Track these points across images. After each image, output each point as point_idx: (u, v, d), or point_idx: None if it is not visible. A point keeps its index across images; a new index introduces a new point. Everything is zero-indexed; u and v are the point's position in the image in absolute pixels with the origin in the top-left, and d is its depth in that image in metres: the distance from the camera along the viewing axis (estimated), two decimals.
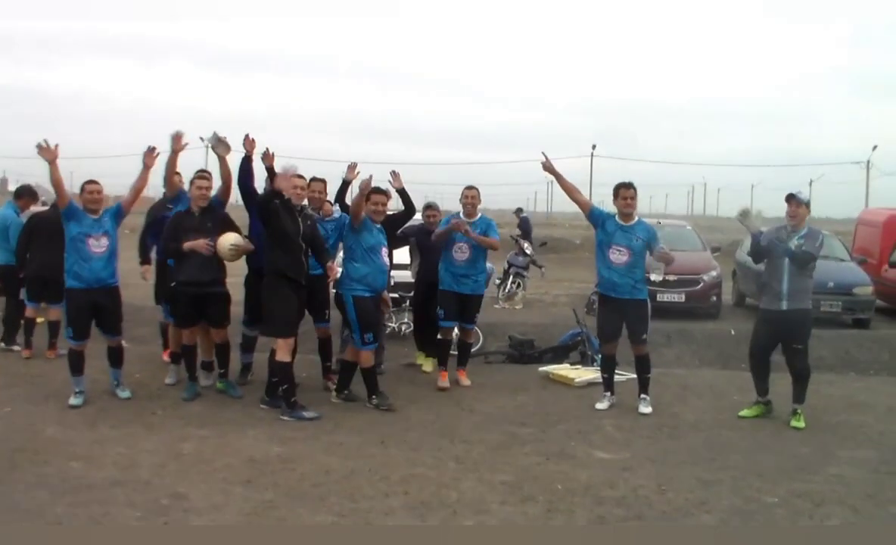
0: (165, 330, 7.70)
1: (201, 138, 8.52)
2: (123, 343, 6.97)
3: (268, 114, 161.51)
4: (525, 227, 19.52)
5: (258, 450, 5.46)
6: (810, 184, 52.62)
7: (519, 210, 21.80)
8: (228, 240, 6.52)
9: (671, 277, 11.77)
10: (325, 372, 7.35)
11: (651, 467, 5.33)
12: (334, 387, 6.98)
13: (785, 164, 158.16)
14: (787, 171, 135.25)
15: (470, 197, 7.61)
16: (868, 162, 45.78)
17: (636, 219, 6.81)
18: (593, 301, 10.39)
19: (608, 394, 6.95)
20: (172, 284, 6.77)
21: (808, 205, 6.57)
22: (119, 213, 6.60)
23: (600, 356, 7.31)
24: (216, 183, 6.79)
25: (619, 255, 6.66)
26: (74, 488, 4.69)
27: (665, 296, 12.29)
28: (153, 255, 7.65)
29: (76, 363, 6.52)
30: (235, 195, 6.98)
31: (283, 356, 6.30)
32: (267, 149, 6.40)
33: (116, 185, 18.13)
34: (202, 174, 6.78)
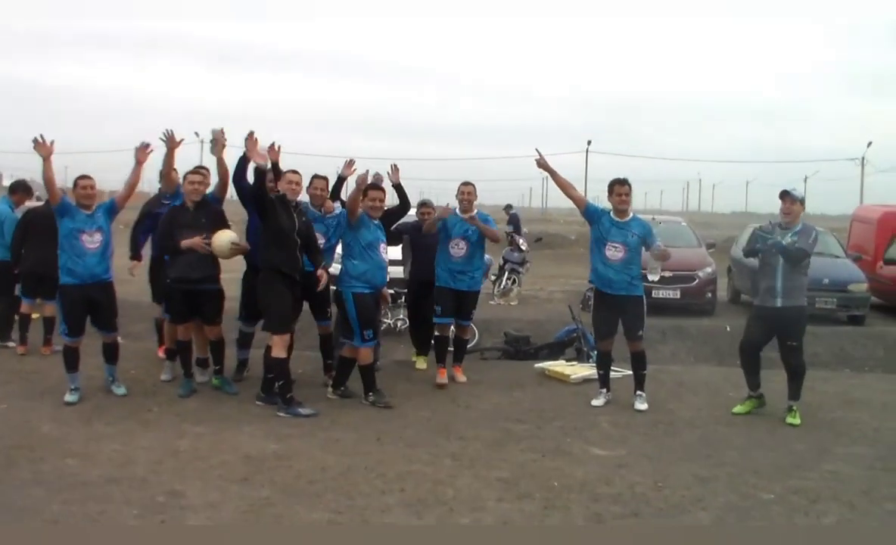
0: (161, 326, 7.66)
1: (196, 133, 8.48)
2: (119, 339, 6.94)
3: (261, 110, 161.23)
4: (514, 222, 19.55)
5: (254, 447, 5.45)
6: (805, 180, 52.87)
7: (508, 206, 21.84)
8: (228, 237, 6.50)
9: (667, 273, 11.77)
10: (326, 369, 7.33)
11: (647, 464, 5.33)
12: (331, 383, 6.98)
13: (780, 160, 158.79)
14: (782, 167, 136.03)
15: (466, 193, 7.59)
16: (863, 158, 46.02)
17: (631, 215, 6.81)
18: (589, 297, 10.42)
19: (604, 390, 6.96)
20: (167, 280, 6.75)
21: (802, 201, 6.58)
22: (112, 208, 6.57)
23: (596, 352, 7.32)
24: (213, 179, 6.78)
25: (614, 252, 6.66)
26: (70, 485, 4.68)
27: (660, 293, 12.27)
28: (145, 251, 7.62)
29: (71, 360, 6.49)
30: (233, 192, 6.97)
31: (278, 352, 6.29)
32: (273, 143, 6.37)
33: (112, 181, 18.12)
34: (196, 170, 6.76)
